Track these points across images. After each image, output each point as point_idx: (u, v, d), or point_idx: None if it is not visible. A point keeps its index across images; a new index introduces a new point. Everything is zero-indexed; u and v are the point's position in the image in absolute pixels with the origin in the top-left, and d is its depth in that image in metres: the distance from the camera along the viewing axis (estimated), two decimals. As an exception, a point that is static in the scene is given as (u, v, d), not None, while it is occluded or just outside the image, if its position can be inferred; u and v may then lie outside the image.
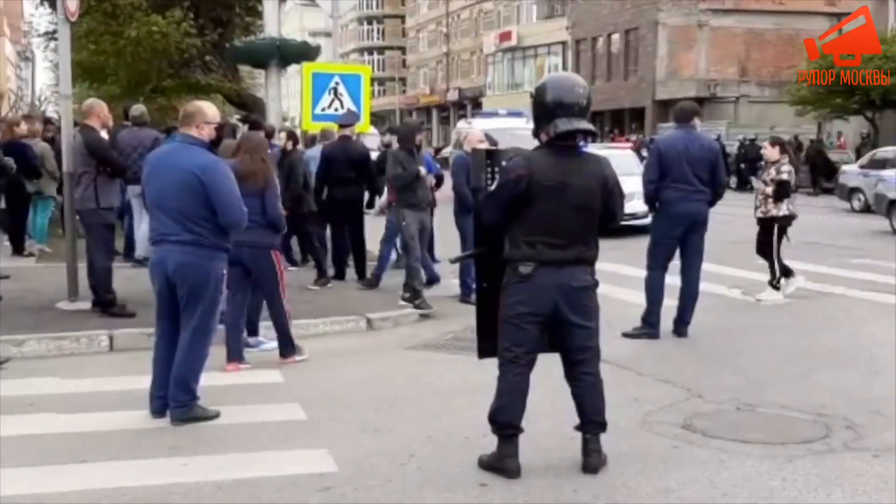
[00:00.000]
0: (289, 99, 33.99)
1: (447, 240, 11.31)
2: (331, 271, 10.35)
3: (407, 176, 9.03)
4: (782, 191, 9.51)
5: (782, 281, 9.58)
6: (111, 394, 6.03)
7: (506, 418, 4.50)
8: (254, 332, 7.31)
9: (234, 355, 6.76)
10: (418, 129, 10.00)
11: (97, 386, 6.25)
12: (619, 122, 45.23)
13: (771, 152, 9.86)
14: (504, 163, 4.67)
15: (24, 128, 12.08)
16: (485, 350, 4.85)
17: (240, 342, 6.84)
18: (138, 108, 11.23)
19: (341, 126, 10.79)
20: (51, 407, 5.68)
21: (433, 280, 9.89)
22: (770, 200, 9.55)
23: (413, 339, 7.90)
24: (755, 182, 10.27)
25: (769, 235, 9.60)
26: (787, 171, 9.59)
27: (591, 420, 4.59)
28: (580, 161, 4.51)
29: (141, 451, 4.94)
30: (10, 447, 4.89)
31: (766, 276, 9.68)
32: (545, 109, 4.45)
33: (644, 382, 6.41)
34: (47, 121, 15.03)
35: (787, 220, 9.61)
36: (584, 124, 4.44)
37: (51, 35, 21.86)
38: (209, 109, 5.62)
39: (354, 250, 10.59)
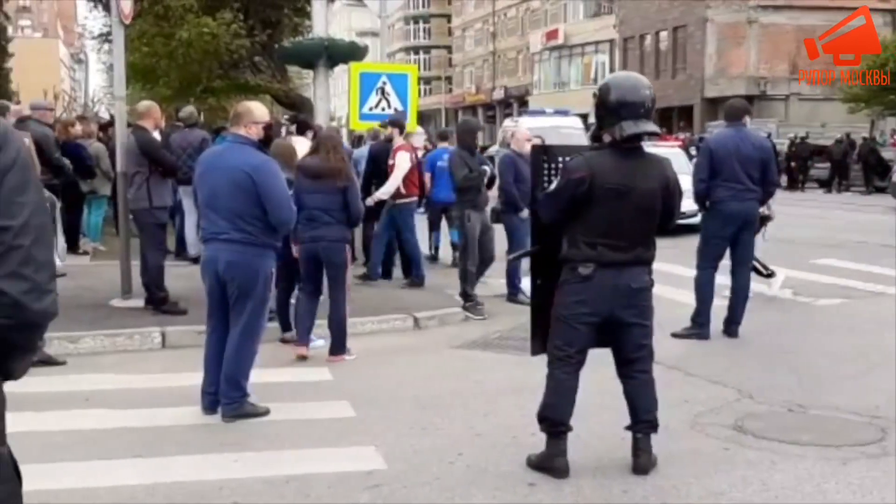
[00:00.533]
0: (336, 98, 34.22)
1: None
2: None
3: (476, 177, 8.93)
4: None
5: (767, 280, 9.59)
6: (163, 390, 6.13)
7: (555, 416, 4.50)
8: (290, 327, 7.49)
9: (303, 337, 7.01)
10: (478, 128, 9.92)
11: (150, 382, 6.36)
12: (667, 121, 44.81)
13: None
14: (563, 161, 4.64)
15: (78, 129, 12.33)
16: (537, 347, 4.85)
17: (310, 328, 7.07)
18: (188, 110, 11.40)
19: (388, 125, 10.85)
20: (105, 402, 5.79)
21: (420, 281, 9.94)
22: None
23: (460, 337, 7.91)
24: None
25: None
26: None
27: (643, 419, 4.56)
28: (643, 163, 4.48)
29: (193, 447, 5.01)
30: (67, 441, 5.00)
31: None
32: (609, 110, 4.40)
33: (694, 383, 6.35)
34: (106, 125, 15.29)
35: (761, 221, 9.55)
36: (651, 126, 4.41)
37: (104, 37, 22.24)
38: (258, 110, 5.71)
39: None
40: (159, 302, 8.18)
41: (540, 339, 4.77)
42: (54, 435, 5.04)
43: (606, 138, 4.44)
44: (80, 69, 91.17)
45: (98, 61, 43.11)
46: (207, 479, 4.51)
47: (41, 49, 79.53)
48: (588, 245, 4.39)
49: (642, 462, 4.53)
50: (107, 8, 17.07)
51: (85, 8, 27.43)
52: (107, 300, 8.53)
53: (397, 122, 10.58)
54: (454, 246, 12.21)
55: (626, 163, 4.40)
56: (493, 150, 30.00)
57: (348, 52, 12.82)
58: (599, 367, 4.70)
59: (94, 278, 9.71)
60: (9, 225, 1.82)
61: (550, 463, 4.49)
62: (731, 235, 7.74)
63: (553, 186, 4.54)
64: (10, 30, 29.45)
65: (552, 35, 55.70)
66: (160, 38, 15.78)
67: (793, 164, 28.53)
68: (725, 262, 7.92)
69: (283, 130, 9.88)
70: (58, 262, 6.59)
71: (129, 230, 8.71)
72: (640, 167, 4.44)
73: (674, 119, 44.62)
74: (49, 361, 6.48)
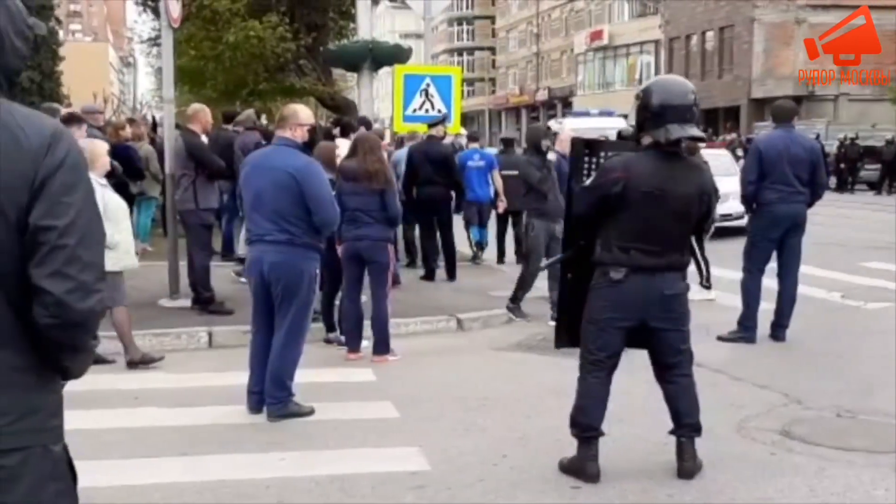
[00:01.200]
0: (379, 101, 34.36)
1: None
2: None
3: (552, 180, 8.89)
4: None
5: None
6: (210, 389, 6.21)
7: (586, 420, 4.47)
8: (334, 328, 7.56)
9: (353, 344, 7.08)
10: (545, 134, 9.79)
11: (197, 381, 6.44)
12: (713, 122, 44.35)
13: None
14: (604, 157, 4.61)
15: (128, 131, 12.52)
16: (562, 341, 4.84)
17: (361, 332, 7.14)
18: (246, 113, 11.54)
19: (429, 126, 10.88)
20: (154, 401, 5.88)
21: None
22: None
23: (503, 340, 7.90)
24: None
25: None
26: None
27: (685, 423, 4.52)
28: (681, 167, 4.43)
29: (239, 446, 5.07)
30: (116, 439, 5.09)
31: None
32: (651, 113, 4.35)
33: (740, 387, 6.28)
34: (154, 127, 15.52)
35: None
36: (696, 130, 4.37)
37: (153, 41, 22.59)
38: (302, 112, 5.78)
39: (444, 250, 10.66)
40: (206, 302, 8.29)
41: (566, 333, 4.75)
42: (104, 433, 5.13)
43: (646, 141, 4.40)
44: (128, 72, 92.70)
45: (147, 64, 43.87)
46: (253, 478, 4.56)
47: (91, 53, 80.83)
48: (621, 249, 4.35)
49: (687, 466, 4.50)
50: (156, 12, 17.35)
51: (134, 12, 27.85)
52: (155, 300, 8.66)
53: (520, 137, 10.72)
54: (479, 245, 12.21)
55: (664, 166, 4.36)
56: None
57: (393, 55, 12.88)
58: (641, 369, 4.67)
59: (143, 279, 9.82)
60: (54, 225, 1.85)
61: (582, 467, 4.47)
62: (778, 238, 7.64)
63: (589, 181, 4.52)
64: (61, 34, 29.93)
65: (597, 36, 55.40)
66: (207, 41, 16.02)
67: (842, 165, 28.06)
68: (772, 266, 7.82)
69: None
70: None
71: (177, 231, 8.84)
72: (678, 171, 4.40)
73: (720, 120, 44.13)
74: (98, 360, 6.61)
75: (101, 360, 6.61)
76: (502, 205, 11.59)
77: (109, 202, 6.37)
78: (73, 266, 1.86)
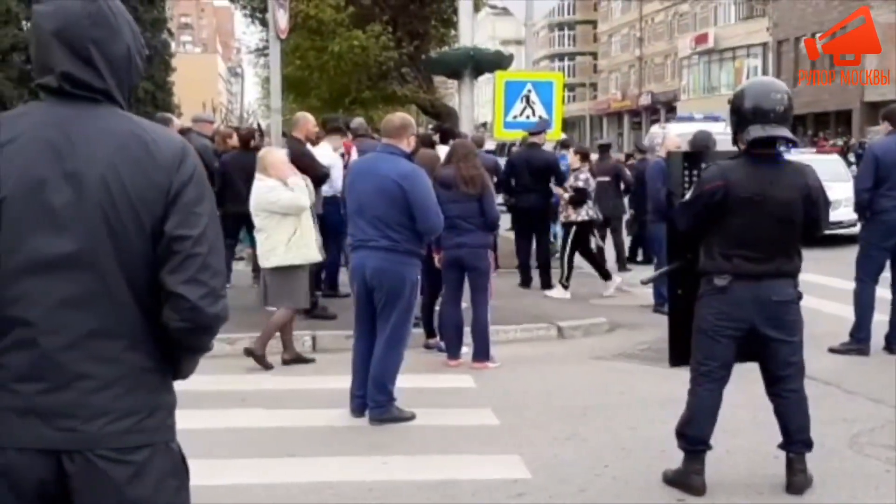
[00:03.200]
0: (479, 107, 34.50)
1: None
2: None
3: None
4: (580, 197, 9.96)
5: (600, 282, 10.22)
6: (314, 392, 6.33)
7: (694, 433, 4.38)
8: (434, 334, 7.59)
9: (453, 351, 7.12)
10: (713, 141, 9.51)
11: (301, 384, 6.58)
12: (824, 126, 42.97)
13: (573, 160, 10.64)
14: (702, 168, 4.55)
15: (235, 140, 12.85)
16: (676, 358, 4.75)
17: (461, 339, 7.17)
18: (358, 121, 11.76)
19: (531, 134, 10.85)
20: (260, 402, 6.03)
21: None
22: (570, 206, 10.03)
23: (604, 348, 7.82)
24: (555, 189, 10.46)
25: (573, 238, 10.05)
26: (583, 179, 10.13)
27: (796, 439, 4.39)
28: (780, 171, 4.32)
29: (342, 448, 5.15)
30: (223, 439, 5.23)
31: None
32: (741, 116, 4.29)
33: (852, 401, 6.06)
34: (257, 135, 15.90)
35: (586, 225, 10.13)
36: (779, 131, 4.23)
37: (260, 51, 23.17)
38: (412, 122, 5.97)
39: (539, 259, 10.60)
40: (310, 307, 8.44)
41: (679, 351, 4.67)
42: (211, 433, 5.27)
43: (740, 145, 4.32)
44: (236, 82, 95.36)
45: (254, 74, 45.05)
46: (356, 481, 4.62)
47: (201, 64, 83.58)
48: (724, 257, 4.27)
49: (797, 481, 4.36)
50: (263, 23, 17.83)
51: (242, 24, 28.64)
52: (261, 304, 8.85)
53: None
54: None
55: (761, 171, 4.25)
56: (638, 157, 29.46)
57: (494, 61, 12.91)
58: (750, 382, 4.55)
59: (249, 283, 10.11)
60: (188, 234, 1.96)
61: (687, 480, 4.38)
62: (892, 247, 7.35)
63: (689, 195, 4.46)
64: (172, 46, 31.05)
65: (702, 39, 54.34)
66: (313, 51, 16.35)
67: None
68: (885, 276, 7.53)
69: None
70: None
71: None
72: (777, 175, 4.28)
73: (831, 124, 42.72)
74: (300, 359, 7.16)
75: (302, 360, 7.17)
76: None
77: (283, 198, 6.80)
78: (206, 273, 1.97)
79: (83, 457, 1.92)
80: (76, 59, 1.96)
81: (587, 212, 10.03)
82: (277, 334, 7.10)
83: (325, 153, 8.76)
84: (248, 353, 6.92)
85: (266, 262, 6.95)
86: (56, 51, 1.95)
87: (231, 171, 9.60)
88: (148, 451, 1.98)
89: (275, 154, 7.21)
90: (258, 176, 7.02)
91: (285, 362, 7.09)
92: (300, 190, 6.95)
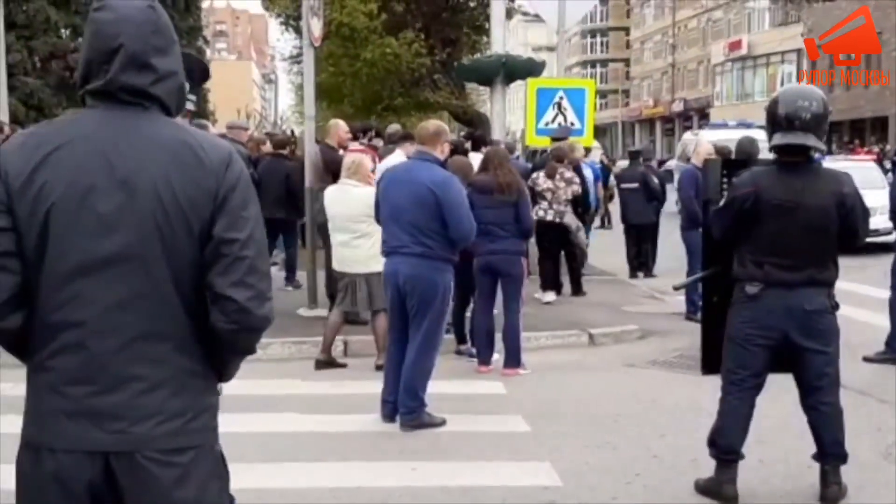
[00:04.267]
0: (511, 114, 34.50)
1: (668, 255, 11.11)
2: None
3: None
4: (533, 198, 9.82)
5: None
6: (346, 397, 6.38)
7: (726, 442, 4.36)
8: (465, 339, 7.59)
9: (485, 356, 7.15)
10: (757, 148, 9.41)
11: (333, 389, 6.62)
12: (860, 133, 42.47)
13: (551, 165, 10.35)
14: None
15: (269, 146, 12.96)
16: (709, 366, 4.73)
17: (493, 345, 7.18)
18: (394, 127, 11.84)
19: (553, 140, 10.83)
20: (292, 407, 6.08)
21: None
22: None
23: (635, 355, 7.79)
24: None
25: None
26: (541, 181, 9.89)
27: (830, 452, 4.35)
28: (813, 178, 4.28)
29: (373, 454, 5.18)
30: (256, 443, 5.27)
31: None
32: (772, 123, 4.28)
33: (887, 410, 5.99)
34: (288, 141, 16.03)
35: (543, 227, 9.82)
36: (801, 138, 4.16)
37: (294, 58, 23.33)
38: (446, 129, 6.03)
39: (568, 265, 10.57)
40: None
41: (711, 358, 4.65)
42: (245, 437, 5.30)
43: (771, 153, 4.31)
44: (269, 89, 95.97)
45: (287, 81, 45.31)
46: (387, 486, 4.65)
47: (236, 70, 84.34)
48: (755, 264, 4.24)
49: (831, 493, 4.32)
50: (297, 31, 17.96)
51: (277, 31, 28.85)
52: (294, 309, 8.93)
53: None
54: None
55: (794, 178, 4.22)
56: (671, 164, 29.32)
57: (526, 68, 12.90)
58: (784, 391, 4.52)
59: (283, 288, 10.19)
60: (236, 237, 2.00)
61: (718, 489, 4.36)
62: (930, 255, 7.26)
63: (722, 202, 4.44)
64: (208, 53, 31.38)
65: (735, 45, 53.95)
66: (346, 58, 16.45)
67: None
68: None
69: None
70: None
71: (315, 243, 9.10)
72: (809, 182, 4.24)
73: (867, 131, 42.22)
74: (333, 364, 7.21)
75: (334, 364, 7.17)
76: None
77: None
78: (254, 276, 2.01)
79: (132, 458, 1.95)
80: (135, 67, 2.01)
81: (537, 212, 9.55)
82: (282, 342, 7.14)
83: (399, 160, 8.80)
84: (381, 368, 6.72)
85: (373, 266, 6.68)
86: (116, 57, 1.99)
87: (265, 176, 9.85)
88: (193, 452, 2.02)
89: (368, 162, 7.27)
90: (353, 182, 7.04)
91: (318, 364, 7.14)
92: None
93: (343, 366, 7.27)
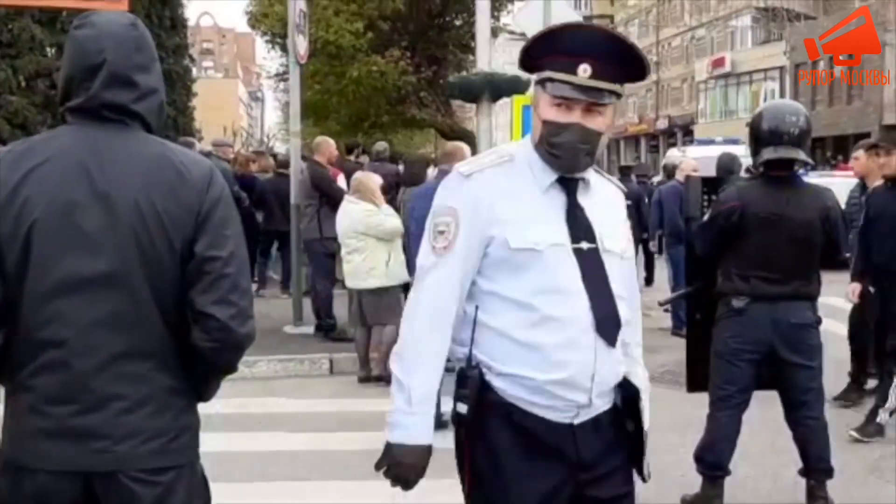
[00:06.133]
0: (497, 131, 34.63)
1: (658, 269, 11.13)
2: None
3: None
4: None
5: None
6: (332, 414, 6.34)
7: (713, 458, 4.36)
8: None
9: None
10: (738, 164, 9.37)
11: (319, 407, 6.59)
12: (843, 149, 42.77)
13: None
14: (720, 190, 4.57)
15: (257, 165, 12.98)
16: (694, 383, 4.74)
17: None
18: (381, 145, 11.88)
19: None
20: (278, 425, 6.04)
21: None
22: None
23: (623, 371, 7.77)
24: None
25: None
26: None
27: (816, 468, 4.35)
28: (797, 192, 4.32)
29: (360, 472, 5.08)
30: (242, 462, 5.24)
31: None
32: (757, 138, 4.31)
33: (874, 426, 5.99)
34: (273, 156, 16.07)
35: None
36: (793, 153, 4.20)
37: (280, 76, 23.35)
38: (467, 149, 6.36)
39: None
40: (328, 329, 8.47)
41: (696, 376, 4.65)
42: (229, 455, 5.27)
43: (757, 168, 4.34)
44: (256, 106, 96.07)
45: (274, 99, 45.41)
46: (373, 504, 4.61)
47: (222, 88, 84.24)
48: (741, 278, 4.26)
49: (818, 508, 4.32)
50: (284, 49, 17.98)
51: (263, 49, 28.86)
52: (280, 326, 8.90)
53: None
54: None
55: (779, 192, 4.25)
56: (656, 179, 29.42)
57: (511, 86, 12.93)
58: (769, 407, 4.53)
59: (268, 305, 10.14)
60: (218, 255, 1.99)
61: None
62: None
63: (706, 217, 4.46)
64: (194, 71, 31.36)
65: (718, 63, 54.37)
66: (332, 76, 16.48)
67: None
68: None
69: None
70: None
71: (301, 260, 9.08)
72: (794, 197, 4.27)
73: (849, 147, 42.51)
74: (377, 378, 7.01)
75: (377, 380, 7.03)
76: None
77: (387, 223, 6.94)
78: (235, 293, 2.00)
79: (114, 478, 1.94)
80: (118, 83, 2.00)
81: None
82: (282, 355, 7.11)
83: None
84: (379, 378, 6.87)
85: (363, 282, 6.95)
86: (98, 74, 1.99)
87: (270, 192, 11.14)
88: (175, 472, 2.00)
89: (374, 179, 7.32)
90: (351, 199, 7.14)
91: (361, 380, 7.10)
92: (394, 216, 7.11)
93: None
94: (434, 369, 2.19)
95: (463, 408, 2.22)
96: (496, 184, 2.24)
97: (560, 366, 2.18)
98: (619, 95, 2.25)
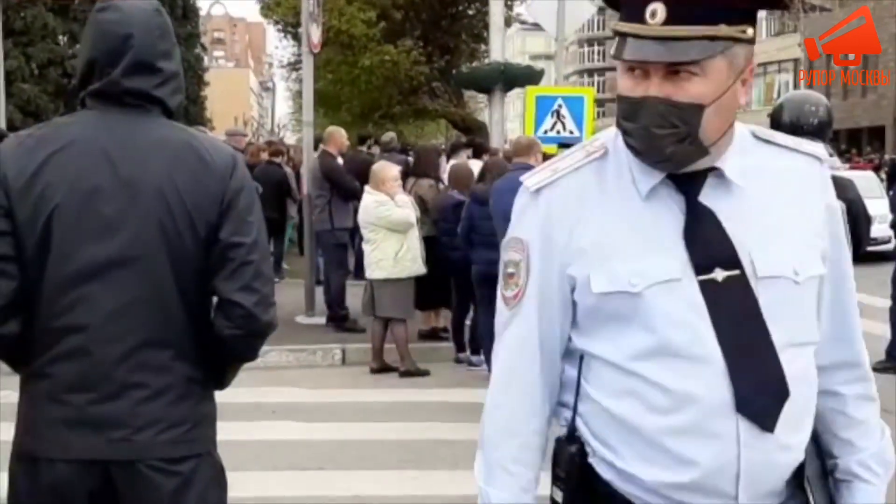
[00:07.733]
0: (509, 122, 34.54)
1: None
2: None
3: None
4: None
5: None
6: (344, 405, 6.34)
7: None
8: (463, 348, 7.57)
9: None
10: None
11: (331, 397, 6.59)
12: (857, 142, 42.62)
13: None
14: None
15: (266, 154, 12.98)
16: None
17: None
18: (389, 135, 11.87)
19: (560, 147, 10.83)
20: (291, 415, 6.05)
21: None
22: None
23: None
24: None
25: None
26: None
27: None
28: None
29: (373, 462, 5.15)
30: (255, 452, 5.24)
31: None
32: (778, 129, 4.27)
33: (889, 420, 5.92)
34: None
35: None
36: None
37: (292, 66, 23.35)
38: (539, 142, 6.57)
39: None
40: (340, 320, 8.46)
41: None
42: (242, 445, 5.26)
43: None
44: (266, 96, 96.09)
45: (285, 89, 45.36)
46: (389, 494, 4.63)
47: (234, 78, 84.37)
48: None
49: None
50: (296, 38, 17.99)
51: (275, 39, 28.86)
52: (292, 316, 8.88)
53: None
54: None
55: None
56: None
57: (525, 76, 12.91)
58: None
59: (281, 295, 10.06)
60: (243, 242, 1.97)
61: None
62: (930, 264, 7.25)
63: None
64: (206, 61, 31.39)
65: (732, 55, 54.18)
66: (344, 66, 16.46)
67: None
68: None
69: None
70: None
71: (314, 251, 9.07)
72: None
73: (863, 140, 42.37)
74: (418, 372, 7.03)
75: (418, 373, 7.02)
76: None
77: (394, 214, 6.93)
78: (259, 280, 1.98)
79: (133, 467, 1.92)
80: (142, 70, 1.98)
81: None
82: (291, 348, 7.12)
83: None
84: (406, 374, 6.96)
85: (372, 273, 7.06)
86: (123, 59, 1.96)
87: (261, 180, 10.07)
88: (194, 461, 1.99)
89: (389, 170, 7.31)
90: (368, 189, 7.19)
91: (402, 374, 7.07)
92: (407, 207, 7.10)
93: (426, 373, 7.08)
94: (512, 475, 1.62)
95: (559, 495, 1.59)
96: (577, 197, 1.57)
97: (683, 464, 1.48)
98: (730, 39, 1.53)
